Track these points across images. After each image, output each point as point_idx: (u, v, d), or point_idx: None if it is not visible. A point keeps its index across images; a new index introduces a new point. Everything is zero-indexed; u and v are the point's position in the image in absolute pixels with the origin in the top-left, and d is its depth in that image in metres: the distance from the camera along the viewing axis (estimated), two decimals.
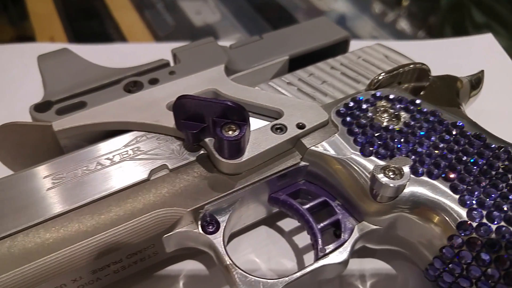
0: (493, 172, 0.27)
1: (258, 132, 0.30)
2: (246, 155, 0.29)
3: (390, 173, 0.26)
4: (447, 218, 0.26)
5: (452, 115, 0.31)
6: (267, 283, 0.26)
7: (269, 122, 0.31)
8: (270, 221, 0.35)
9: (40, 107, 0.33)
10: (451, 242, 0.26)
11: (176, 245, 0.29)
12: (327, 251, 0.28)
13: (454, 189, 0.27)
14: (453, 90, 0.34)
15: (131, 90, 0.34)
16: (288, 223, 0.35)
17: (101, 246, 0.26)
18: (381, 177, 0.26)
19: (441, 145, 0.29)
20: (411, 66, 0.34)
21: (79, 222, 0.27)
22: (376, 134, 0.30)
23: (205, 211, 0.28)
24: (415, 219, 0.27)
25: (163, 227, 0.28)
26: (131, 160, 0.30)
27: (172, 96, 0.32)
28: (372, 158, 0.29)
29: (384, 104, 0.32)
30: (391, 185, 0.26)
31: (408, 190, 0.27)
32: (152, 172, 0.29)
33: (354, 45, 0.41)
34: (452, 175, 0.27)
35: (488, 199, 0.26)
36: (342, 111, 0.32)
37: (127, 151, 0.30)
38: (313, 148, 0.30)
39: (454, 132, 0.30)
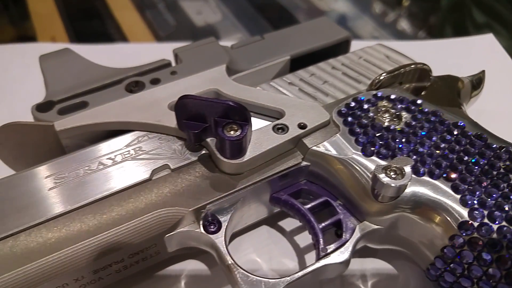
0: (495, 172, 0.27)
1: (260, 132, 0.30)
2: (248, 155, 0.29)
3: (392, 173, 0.26)
4: (448, 218, 0.26)
5: (453, 115, 0.31)
6: (269, 283, 0.26)
7: (270, 122, 0.31)
8: (271, 221, 0.35)
9: (42, 107, 0.33)
10: (453, 242, 0.26)
11: (178, 244, 0.29)
12: (329, 250, 0.28)
13: (455, 189, 0.27)
14: (454, 90, 0.34)
15: (132, 90, 0.34)
16: (290, 223, 0.35)
17: (103, 246, 0.26)
18: (382, 177, 0.26)
19: (443, 145, 0.29)
20: (412, 66, 0.35)
21: (81, 221, 0.27)
22: (377, 134, 0.30)
23: (207, 210, 0.28)
24: (416, 219, 0.27)
25: (165, 226, 0.28)
26: (133, 160, 0.30)
27: (173, 96, 0.32)
28: (374, 158, 0.29)
29: (386, 104, 0.32)
30: (393, 185, 0.26)
31: (409, 190, 0.27)
32: (154, 172, 0.29)
33: (355, 45, 0.41)
34: (453, 175, 0.27)
35: (489, 199, 0.26)
36: (343, 111, 0.32)
37: (128, 151, 0.30)
38: (314, 148, 0.30)
39: (455, 132, 0.30)
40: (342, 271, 0.29)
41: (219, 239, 0.28)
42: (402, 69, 0.34)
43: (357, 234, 0.29)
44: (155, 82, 0.35)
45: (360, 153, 0.29)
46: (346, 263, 0.28)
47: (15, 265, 0.25)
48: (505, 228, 0.25)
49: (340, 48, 0.41)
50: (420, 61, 0.35)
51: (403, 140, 0.30)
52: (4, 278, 0.24)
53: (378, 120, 0.31)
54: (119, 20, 0.66)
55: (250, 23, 0.66)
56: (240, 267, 0.27)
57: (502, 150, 0.28)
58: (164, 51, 0.40)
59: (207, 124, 0.29)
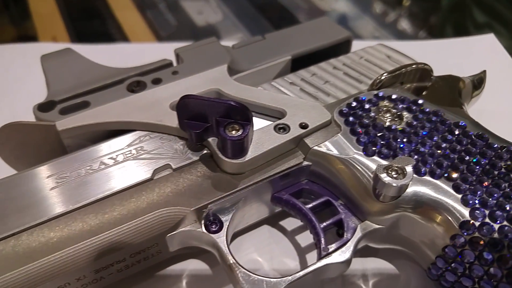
0: (496, 172, 0.27)
1: (261, 132, 0.30)
2: (249, 155, 0.29)
3: (393, 173, 0.26)
4: (449, 218, 0.26)
5: (455, 115, 0.31)
6: (270, 282, 0.26)
7: (272, 122, 0.31)
8: (272, 221, 0.35)
9: (43, 107, 0.33)
10: (454, 241, 0.26)
11: (180, 244, 0.29)
12: (330, 250, 0.28)
13: (456, 188, 0.27)
14: (455, 90, 0.34)
15: (134, 90, 0.34)
16: (291, 223, 0.35)
17: (104, 245, 0.26)
18: (384, 176, 0.26)
19: (444, 145, 0.29)
20: (414, 66, 0.35)
21: (83, 221, 0.27)
22: (378, 134, 0.30)
23: (208, 210, 0.28)
24: (417, 219, 0.27)
25: (166, 226, 0.28)
26: (135, 159, 0.30)
27: (175, 96, 0.32)
28: (375, 157, 0.29)
29: (387, 104, 0.32)
30: (394, 184, 0.26)
31: (410, 189, 0.27)
32: (155, 171, 0.29)
33: (356, 45, 0.41)
34: (454, 175, 0.27)
35: (490, 199, 0.26)
36: (344, 111, 0.32)
37: (130, 150, 0.31)
38: (316, 148, 0.30)
39: (456, 132, 0.30)
40: (343, 271, 0.29)
41: (220, 238, 0.28)
42: (403, 69, 0.34)
43: (358, 234, 0.29)
44: (157, 82, 0.35)
45: (361, 152, 0.29)
46: (348, 262, 0.28)
47: (17, 264, 0.25)
48: (506, 228, 0.25)
49: (341, 48, 0.41)
50: (421, 61, 0.35)
51: (405, 140, 0.30)
52: (7, 278, 0.24)
53: (379, 120, 0.31)
54: (120, 20, 0.66)
55: (251, 23, 0.66)
56: (242, 267, 0.27)
57: (503, 150, 0.28)
58: (165, 51, 0.40)
59: (208, 124, 0.29)
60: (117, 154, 0.30)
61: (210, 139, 0.29)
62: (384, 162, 0.28)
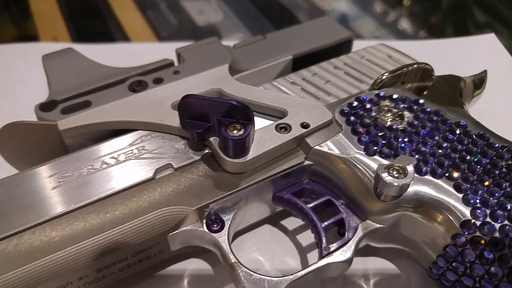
0: (497, 171, 0.27)
1: (263, 132, 0.30)
2: (251, 154, 0.29)
3: (394, 172, 0.27)
4: (450, 217, 0.26)
5: (456, 114, 0.31)
6: (272, 281, 0.26)
7: (273, 122, 0.31)
8: (274, 220, 0.35)
9: (45, 106, 0.33)
10: (455, 240, 0.26)
11: (181, 243, 0.29)
12: (331, 249, 0.28)
13: (457, 188, 0.27)
14: (456, 90, 0.34)
15: (135, 89, 0.34)
16: (292, 222, 0.35)
17: (106, 245, 0.27)
18: (385, 176, 0.26)
19: (445, 145, 0.29)
20: (415, 66, 0.35)
21: (85, 220, 0.27)
22: (380, 134, 0.30)
23: (210, 209, 0.28)
24: (418, 218, 0.27)
25: (168, 225, 0.28)
26: (136, 159, 0.30)
27: (176, 96, 0.32)
28: (376, 157, 0.29)
29: (388, 103, 0.32)
30: (395, 184, 0.26)
31: (411, 189, 0.27)
32: (157, 171, 0.29)
33: (356, 45, 0.41)
34: (455, 174, 0.28)
35: (491, 198, 0.26)
36: (346, 111, 0.32)
37: (132, 150, 0.31)
38: (317, 147, 0.30)
39: (457, 132, 0.30)
40: (344, 270, 0.29)
41: (222, 237, 0.28)
42: (404, 69, 0.34)
43: (359, 233, 0.29)
44: (158, 81, 0.35)
45: (362, 152, 0.29)
46: (349, 261, 0.28)
47: (19, 263, 0.25)
48: (507, 227, 0.25)
49: (342, 47, 0.41)
50: (422, 61, 0.35)
51: (406, 139, 0.30)
52: (9, 276, 0.25)
53: (380, 119, 0.31)
54: (121, 20, 0.66)
55: (252, 23, 0.67)
56: (244, 266, 0.27)
57: (504, 150, 0.28)
58: (166, 50, 0.40)
59: (210, 123, 0.29)
60: (118, 153, 0.30)
61: (211, 139, 0.30)
62: (385, 162, 0.28)
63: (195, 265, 0.33)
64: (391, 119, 0.31)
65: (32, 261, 0.25)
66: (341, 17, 0.71)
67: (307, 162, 0.31)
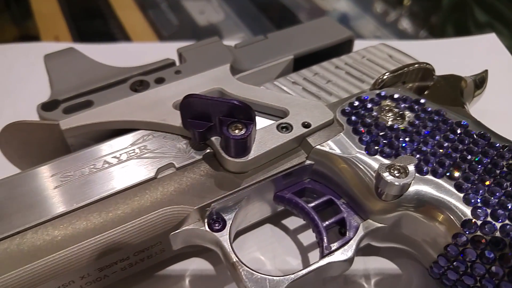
0: (498, 171, 0.27)
1: (264, 131, 0.30)
2: (252, 154, 0.29)
3: (395, 172, 0.27)
4: (451, 217, 0.26)
5: (457, 114, 0.31)
6: (273, 280, 0.26)
7: (274, 121, 0.31)
8: (275, 220, 0.35)
9: (47, 106, 0.33)
10: (456, 240, 0.26)
11: (183, 242, 0.29)
12: (332, 249, 0.28)
13: (458, 187, 0.27)
14: (457, 90, 0.34)
15: (137, 89, 0.35)
16: (293, 222, 0.35)
17: (108, 244, 0.27)
18: (386, 175, 0.26)
19: (446, 144, 0.29)
20: (416, 65, 0.35)
21: (87, 220, 0.27)
22: (381, 133, 0.30)
23: (211, 209, 0.28)
24: (419, 218, 0.27)
25: (170, 224, 0.28)
26: (138, 158, 0.30)
27: (178, 95, 0.32)
28: (377, 157, 0.29)
29: (389, 103, 0.32)
30: (396, 183, 0.26)
31: (412, 188, 0.27)
32: (159, 170, 0.29)
33: (357, 44, 0.42)
34: (456, 174, 0.28)
35: (492, 198, 0.26)
36: (347, 110, 0.32)
37: (134, 149, 0.31)
38: (318, 147, 0.30)
39: (458, 131, 0.30)
40: (345, 269, 0.29)
41: (223, 237, 0.28)
42: (405, 69, 0.34)
43: (360, 232, 0.29)
44: (160, 81, 0.35)
45: (363, 152, 0.29)
46: (350, 261, 0.28)
47: (22, 262, 0.25)
48: (508, 227, 0.25)
49: (343, 47, 0.41)
50: (423, 61, 0.36)
51: (407, 139, 0.30)
52: (12, 275, 0.25)
53: (381, 119, 0.31)
54: (122, 20, 0.66)
55: (253, 23, 0.67)
56: (245, 265, 0.27)
57: (505, 149, 0.28)
58: (167, 50, 0.40)
59: (211, 123, 0.29)
60: (120, 153, 0.30)
61: (213, 138, 0.30)
62: (386, 161, 0.29)
63: (197, 264, 0.33)
64: (392, 118, 0.31)
65: (34, 260, 0.25)
66: (341, 17, 0.71)
67: (308, 162, 0.31)
